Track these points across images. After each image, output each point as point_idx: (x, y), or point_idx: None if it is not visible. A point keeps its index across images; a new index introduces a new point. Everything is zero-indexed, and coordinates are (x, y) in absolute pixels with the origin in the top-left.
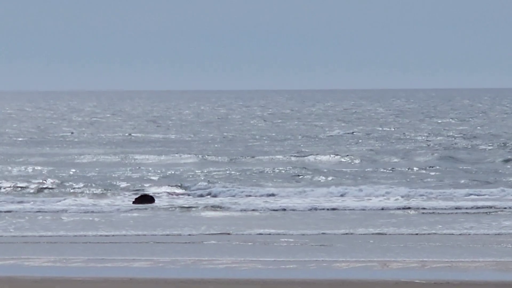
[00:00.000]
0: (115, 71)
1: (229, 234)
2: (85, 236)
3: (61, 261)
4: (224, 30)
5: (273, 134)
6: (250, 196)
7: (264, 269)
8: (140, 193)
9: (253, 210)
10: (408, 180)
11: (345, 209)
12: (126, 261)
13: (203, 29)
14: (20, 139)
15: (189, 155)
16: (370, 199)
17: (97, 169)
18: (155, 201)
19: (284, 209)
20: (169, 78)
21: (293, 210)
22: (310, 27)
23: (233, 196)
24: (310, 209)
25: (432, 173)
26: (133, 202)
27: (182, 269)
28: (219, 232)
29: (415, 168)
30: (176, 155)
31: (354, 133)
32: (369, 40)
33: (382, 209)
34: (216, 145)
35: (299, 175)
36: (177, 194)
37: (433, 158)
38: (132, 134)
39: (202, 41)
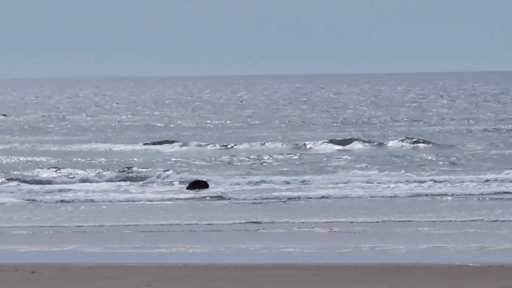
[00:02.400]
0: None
1: (286, 222)
2: (136, 225)
3: (114, 248)
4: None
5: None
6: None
7: (317, 253)
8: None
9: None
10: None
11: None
12: (181, 248)
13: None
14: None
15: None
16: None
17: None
18: (209, 187)
19: (347, 197)
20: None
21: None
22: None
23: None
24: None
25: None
26: (187, 188)
27: (236, 254)
28: (269, 221)
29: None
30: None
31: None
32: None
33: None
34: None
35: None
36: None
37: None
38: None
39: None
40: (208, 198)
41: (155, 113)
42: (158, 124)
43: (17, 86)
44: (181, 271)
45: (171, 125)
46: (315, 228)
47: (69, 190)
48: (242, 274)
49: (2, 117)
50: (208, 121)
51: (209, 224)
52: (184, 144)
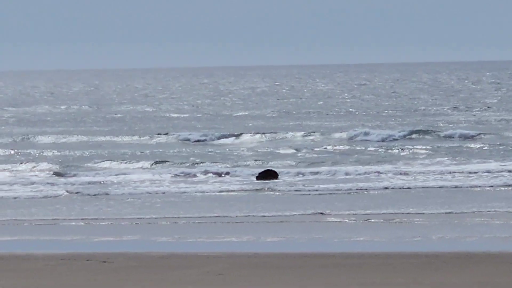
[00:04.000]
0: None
1: (354, 214)
2: (206, 216)
3: (185, 238)
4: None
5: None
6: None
7: (388, 242)
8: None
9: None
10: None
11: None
12: (251, 237)
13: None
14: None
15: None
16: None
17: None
18: (279, 177)
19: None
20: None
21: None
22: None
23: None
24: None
25: None
26: (257, 178)
27: (305, 244)
28: (338, 212)
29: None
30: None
31: None
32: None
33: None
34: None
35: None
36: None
37: None
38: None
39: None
40: (277, 188)
41: (218, 103)
42: (224, 113)
43: (26, 78)
44: (252, 260)
45: (236, 115)
46: (383, 218)
47: (135, 181)
48: (313, 262)
49: (44, 108)
50: (272, 111)
51: (279, 215)
52: (251, 134)
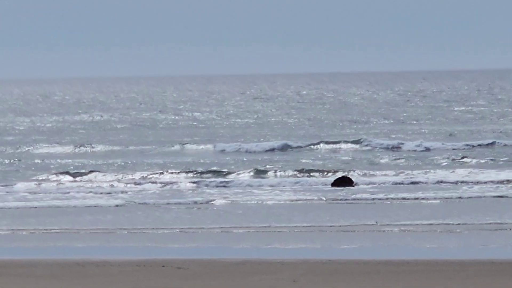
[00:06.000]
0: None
1: (430, 224)
2: (279, 226)
3: (259, 245)
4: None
5: None
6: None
7: (462, 250)
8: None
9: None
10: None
11: None
12: (325, 244)
13: None
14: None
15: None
16: None
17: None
18: (354, 184)
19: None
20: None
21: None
22: None
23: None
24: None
25: None
26: (332, 184)
27: (379, 251)
28: (412, 223)
29: None
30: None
31: None
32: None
33: None
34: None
35: None
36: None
37: None
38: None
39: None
40: (352, 195)
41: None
42: (292, 121)
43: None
44: (326, 267)
45: (307, 122)
46: (459, 228)
47: (206, 191)
48: (387, 269)
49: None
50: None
51: (352, 226)
52: (325, 142)
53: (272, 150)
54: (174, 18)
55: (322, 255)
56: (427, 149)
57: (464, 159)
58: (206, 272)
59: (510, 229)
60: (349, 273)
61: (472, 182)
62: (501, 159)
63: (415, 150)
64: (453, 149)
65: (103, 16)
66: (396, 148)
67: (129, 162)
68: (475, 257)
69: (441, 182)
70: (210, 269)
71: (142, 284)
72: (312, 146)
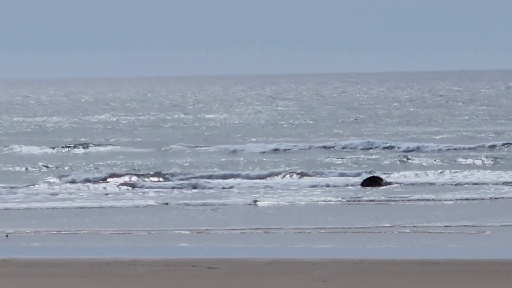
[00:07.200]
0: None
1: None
2: (312, 227)
3: (290, 245)
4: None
5: None
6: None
7: (493, 249)
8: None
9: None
10: None
11: None
12: (354, 244)
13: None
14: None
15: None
16: None
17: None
18: (384, 184)
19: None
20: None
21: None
22: None
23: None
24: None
25: None
26: (361, 184)
27: (409, 250)
28: (441, 224)
29: None
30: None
31: None
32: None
33: None
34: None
35: None
36: None
37: None
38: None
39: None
40: (383, 197)
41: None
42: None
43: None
44: (357, 266)
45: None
46: (489, 229)
47: (239, 191)
48: (417, 269)
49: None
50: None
51: (383, 226)
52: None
53: (309, 148)
54: (176, 20)
55: (352, 255)
56: (453, 149)
57: (490, 160)
58: (236, 272)
59: None
60: (380, 273)
61: (503, 183)
62: None
63: (440, 150)
64: (478, 148)
65: (103, 16)
66: (421, 148)
67: (158, 163)
68: (506, 257)
69: (478, 183)
70: (240, 269)
71: (172, 284)
72: (337, 147)
